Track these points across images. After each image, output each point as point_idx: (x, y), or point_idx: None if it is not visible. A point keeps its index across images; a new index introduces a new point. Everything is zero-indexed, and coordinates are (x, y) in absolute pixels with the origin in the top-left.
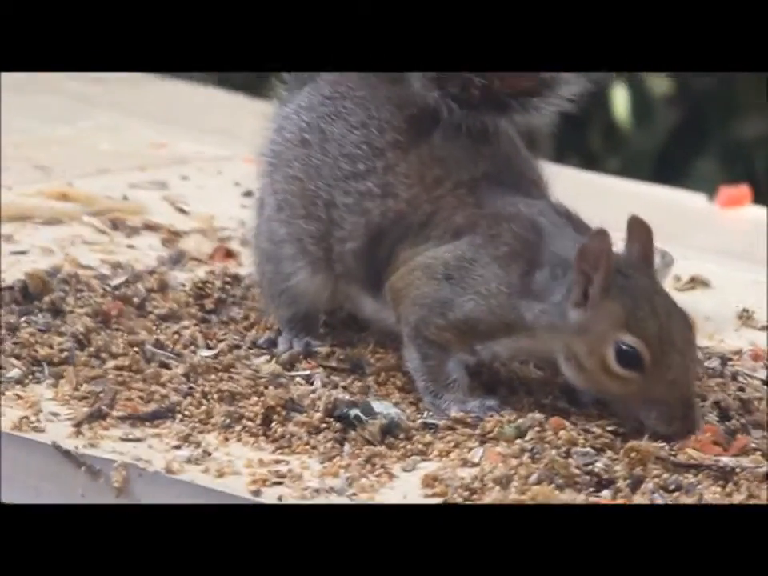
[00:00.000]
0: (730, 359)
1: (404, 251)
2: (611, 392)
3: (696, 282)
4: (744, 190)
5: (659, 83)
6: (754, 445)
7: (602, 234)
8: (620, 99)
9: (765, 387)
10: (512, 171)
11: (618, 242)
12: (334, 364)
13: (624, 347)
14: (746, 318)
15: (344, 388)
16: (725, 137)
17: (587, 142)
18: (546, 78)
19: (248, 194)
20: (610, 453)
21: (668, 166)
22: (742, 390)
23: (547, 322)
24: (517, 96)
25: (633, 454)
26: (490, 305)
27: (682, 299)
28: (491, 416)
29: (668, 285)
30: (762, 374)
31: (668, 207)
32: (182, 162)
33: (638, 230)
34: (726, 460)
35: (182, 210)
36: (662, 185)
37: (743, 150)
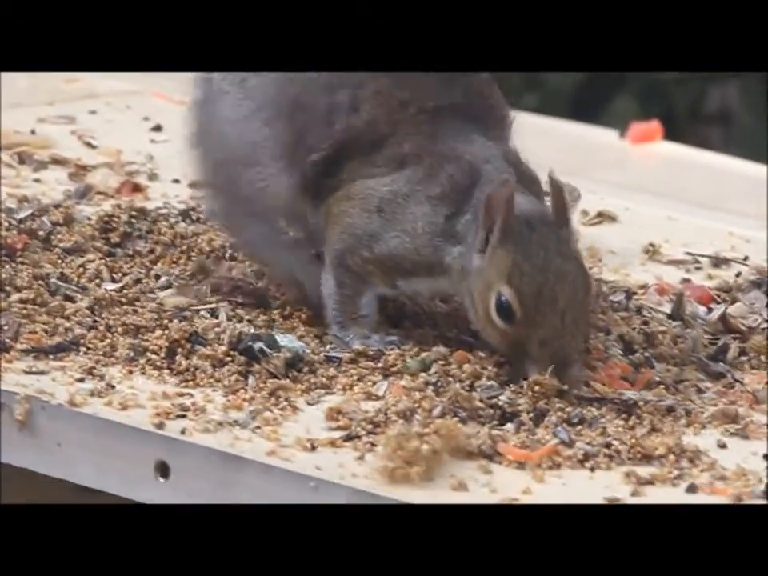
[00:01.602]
0: (635, 293)
1: (350, 169)
2: (492, 340)
3: (603, 217)
4: (655, 125)
5: None
6: (657, 378)
7: (505, 183)
8: None
9: (669, 321)
10: (481, 105)
11: None
12: (239, 298)
13: (501, 298)
14: (652, 252)
15: (249, 321)
16: (642, 74)
17: (504, 78)
18: None
19: (157, 128)
20: (513, 386)
21: (585, 104)
22: (646, 323)
23: (459, 266)
24: None
25: (536, 388)
26: (414, 243)
27: (589, 233)
28: (391, 349)
29: (575, 220)
30: (667, 308)
31: (579, 143)
32: (92, 97)
33: (553, 188)
34: (629, 393)
35: (89, 145)
36: (578, 122)
37: (660, 87)
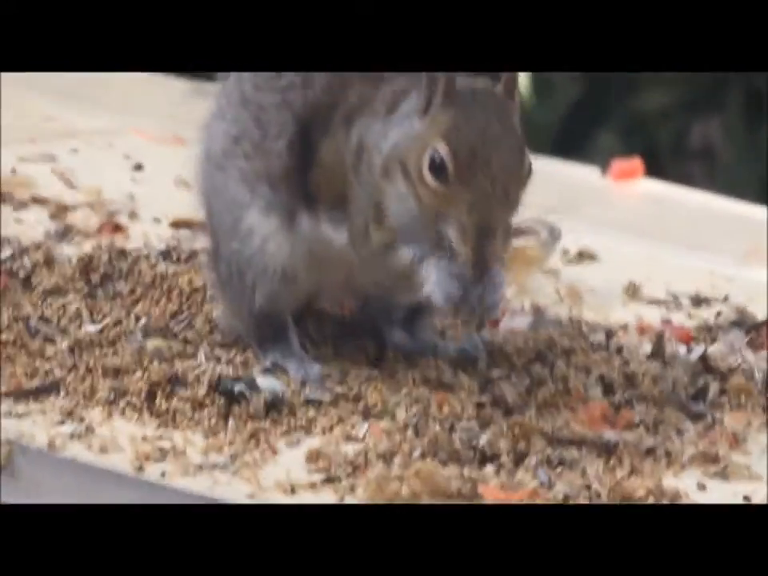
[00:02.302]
0: (615, 333)
1: (322, 147)
2: (423, 204)
3: (584, 256)
4: (636, 163)
5: None
6: (637, 419)
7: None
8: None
9: (649, 361)
10: None
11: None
12: (218, 338)
13: (435, 155)
14: (632, 291)
15: (227, 362)
16: (624, 110)
17: None
18: None
19: (138, 167)
20: (493, 427)
21: (567, 140)
22: (626, 363)
23: (396, 138)
24: None
25: (516, 429)
26: (374, 162)
27: (570, 272)
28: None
29: (555, 259)
30: (647, 348)
31: (561, 180)
32: (72, 135)
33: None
34: (608, 435)
35: (70, 184)
36: (561, 158)
37: (643, 123)
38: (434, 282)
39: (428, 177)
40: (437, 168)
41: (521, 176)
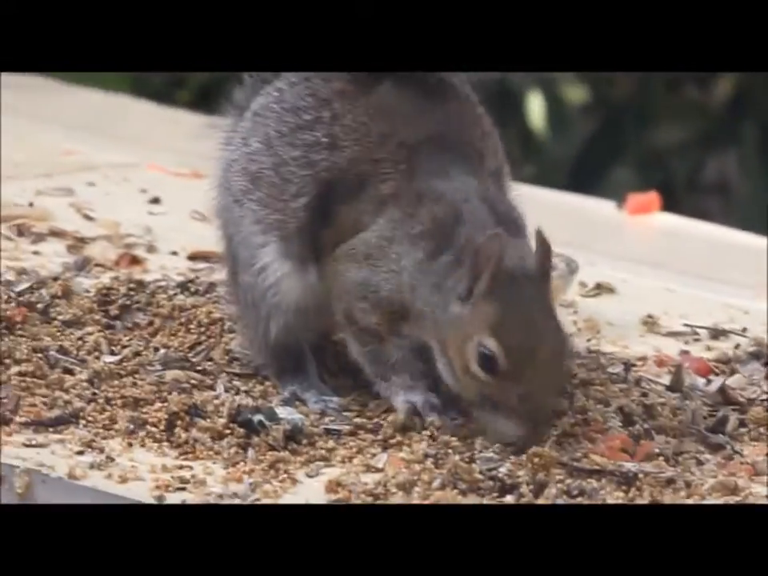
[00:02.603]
0: (634, 365)
1: (341, 212)
2: (468, 392)
3: (601, 289)
4: (652, 197)
5: (575, 91)
6: (657, 450)
7: (496, 237)
8: (535, 107)
9: (668, 393)
10: (459, 138)
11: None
12: (236, 369)
13: (484, 350)
14: (650, 324)
15: (246, 393)
16: (640, 145)
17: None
18: None
19: (155, 200)
20: (513, 458)
21: (584, 174)
22: (645, 395)
23: (434, 310)
24: None
25: (536, 460)
26: (398, 281)
27: (588, 305)
28: (433, 417)
29: (573, 291)
30: (666, 380)
31: (578, 215)
32: (90, 169)
33: (540, 243)
34: (628, 465)
35: (87, 217)
36: (577, 192)
37: (658, 157)
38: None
39: (476, 370)
40: (487, 363)
41: (564, 356)
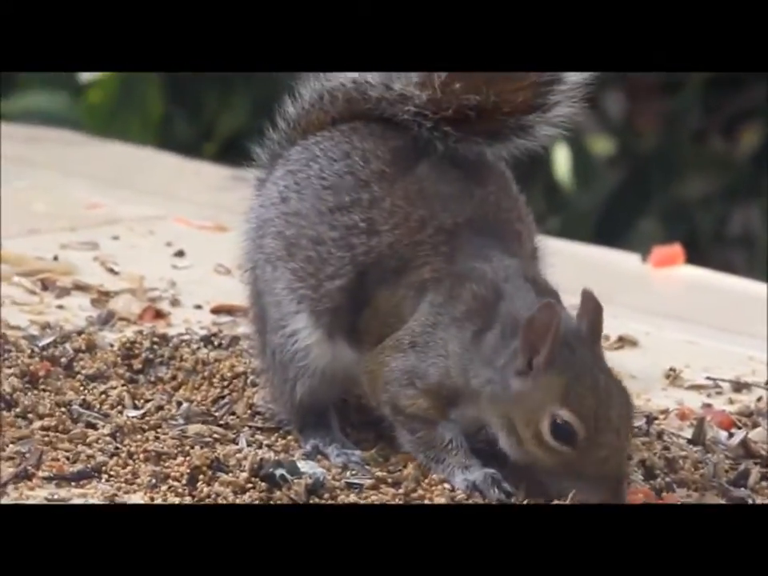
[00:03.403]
0: (656, 418)
1: (380, 295)
2: (543, 464)
3: (624, 341)
4: (677, 249)
5: (600, 144)
6: (679, 503)
7: (551, 307)
8: (561, 159)
9: (690, 446)
10: (497, 218)
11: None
12: (259, 423)
13: (559, 421)
14: (673, 377)
15: (268, 446)
16: (666, 197)
17: (529, 201)
18: (542, 92)
19: (179, 254)
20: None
21: (609, 226)
22: (667, 448)
23: (491, 390)
24: (512, 114)
25: None
26: (447, 365)
27: (611, 358)
28: (497, 494)
29: None
30: (688, 433)
31: (602, 267)
32: (114, 222)
33: (589, 304)
34: None
35: (112, 271)
36: (603, 245)
37: (684, 210)
38: (458, 483)
39: (552, 442)
40: (563, 434)
41: (632, 416)
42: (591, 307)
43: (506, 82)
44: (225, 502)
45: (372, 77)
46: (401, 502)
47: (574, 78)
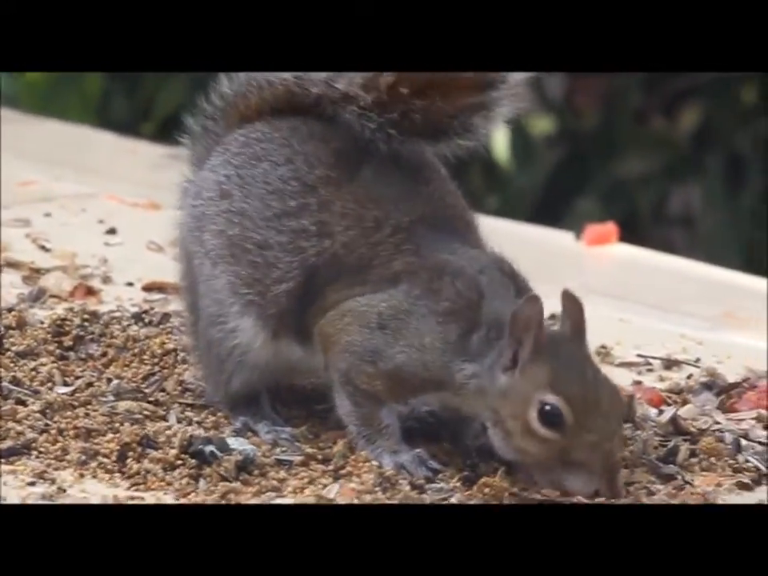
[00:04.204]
0: None
1: (335, 293)
2: (534, 455)
3: (555, 319)
4: (610, 228)
5: (540, 124)
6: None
7: (534, 300)
8: (500, 138)
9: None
10: (447, 213)
11: None
12: (189, 400)
13: (546, 406)
14: (604, 354)
15: (198, 423)
16: (605, 176)
17: (467, 181)
18: (487, 93)
19: (111, 231)
20: (464, 488)
21: (548, 206)
22: None
23: (477, 385)
24: (457, 116)
25: (486, 490)
26: (423, 359)
27: None
28: (428, 471)
29: None
30: None
31: (536, 246)
32: (47, 200)
33: (570, 305)
34: (578, 496)
35: (43, 248)
36: (541, 224)
37: (623, 189)
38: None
39: (541, 430)
40: (551, 419)
41: (622, 407)
42: (573, 307)
43: (452, 83)
44: (155, 478)
45: (316, 73)
46: (331, 479)
47: (518, 76)
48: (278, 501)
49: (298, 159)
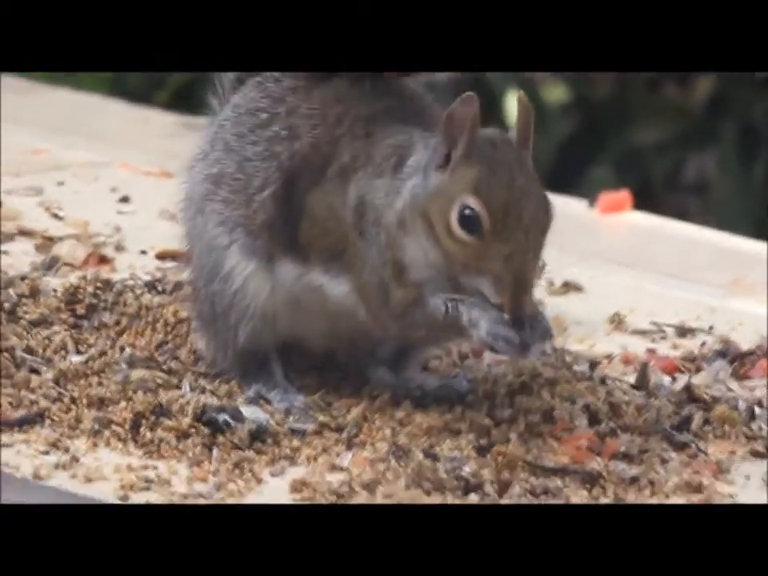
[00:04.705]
0: (600, 363)
1: (312, 199)
2: (453, 258)
3: (569, 287)
4: (624, 195)
5: (554, 91)
6: (622, 448)
7: (470, 99)
8: (514, 107)
9: (633, 391)
10: (415, 106)
11: None
12: (202, 369)
13: (466, 210)
14: (617, 322)
15: (211, 392)
16: (619, 144)
17: None
18: None
19: (124, 199)
20: (477, 457)
21: (562, 174)
22: (610, 393)
23: (413, 190)
24: None
25: (500, 458)
26: (389, 219)
27: (555, 303)
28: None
29: (540, 290)
30: (631, 378)
31: None
32: (59, 168)
33: (521, 109)
34: (592, 464)
35: (56, 216)
36: (555, 192)
37: (637, 157)
38: (485, 329)
39: (459, 231)
40: (469, 222)
41: (548, 223)
42: (523, 111)
43: None
44: (168, 447)
45: None
46: (344, 448)
47: None
48: (291, 470)
49: (267, 80)
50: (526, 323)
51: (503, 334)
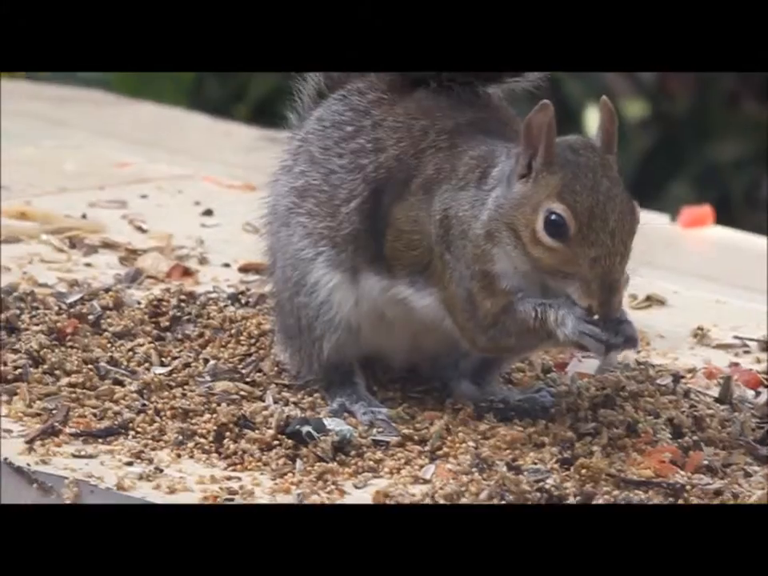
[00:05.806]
0: (683, 377)
1: (397, 212)
2: (542, 264)
3: (652, 301)
4: (706, 210)
5: (633, 107)
6: (706, 462)
7: (545, 106)
8: (593, 122)
9: (717, 405)
10: (500, 119)
11: None
12: (286, 381)
13: (552, 215)
14: (701, 336)
15: (295, 404)
16: (698, 160)
17: None
18: None
19: (207, 212)
20: (561, 470)
21: (641, 189)
22: (694, 407)
23: (496, 203)
24: None
25: (583, 471)
26: (476, 231)
27: (638, 317)
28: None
29: (624, 303)
30: (715, 392)
31: None
32: (143, 181)
33: (605, 113)
34: (676, 477)
35: (140, 229)
36: None
37: (716, 173)
38: (571, 327)
39: (545, 238)
40: (555, 228)
41: (633, 226)
42: (606, 115)
43: None
44: (251, 458)
45: None
46: (427, 460)
47: None
48: (374, 482)
49: (350, 93)
50: (612, 325)
51: (589, 330)
